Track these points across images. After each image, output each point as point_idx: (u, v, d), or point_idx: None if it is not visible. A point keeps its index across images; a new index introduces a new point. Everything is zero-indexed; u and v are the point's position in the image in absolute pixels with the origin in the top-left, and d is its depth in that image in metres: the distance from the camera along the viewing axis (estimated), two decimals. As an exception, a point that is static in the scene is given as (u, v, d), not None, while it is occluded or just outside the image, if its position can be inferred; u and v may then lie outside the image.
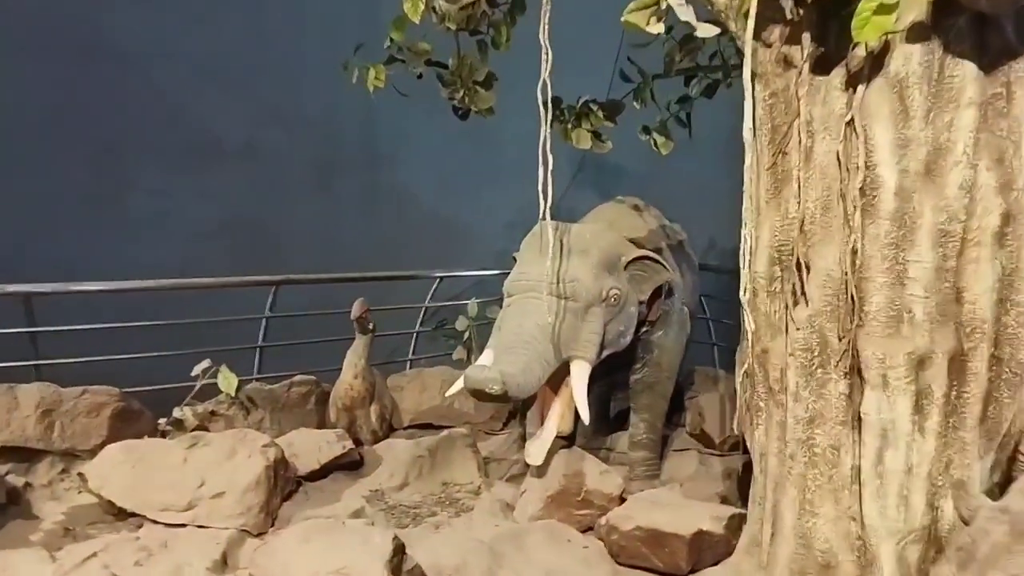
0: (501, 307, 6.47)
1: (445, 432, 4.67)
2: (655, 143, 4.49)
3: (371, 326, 5.02)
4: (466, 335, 6.14)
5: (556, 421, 4.01)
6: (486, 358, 3.91)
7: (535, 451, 3.93)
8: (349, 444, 4.57)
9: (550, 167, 3.23)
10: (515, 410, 5.83)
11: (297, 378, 5.36)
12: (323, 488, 4.41)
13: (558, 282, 3.84)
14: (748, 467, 4.97)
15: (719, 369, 6.57)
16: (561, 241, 3.96)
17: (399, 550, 3.05)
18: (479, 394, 3.60)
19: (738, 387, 3.22)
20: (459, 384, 3.95)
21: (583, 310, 3.89)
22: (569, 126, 4.50)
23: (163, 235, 7.49)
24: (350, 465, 4.60)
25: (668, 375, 4.52)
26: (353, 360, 4.97)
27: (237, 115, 7.95)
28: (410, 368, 6.23)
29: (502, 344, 3.79)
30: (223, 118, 7.92)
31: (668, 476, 4.69)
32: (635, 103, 4.44)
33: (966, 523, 2.65)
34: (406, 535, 3.74)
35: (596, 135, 4.51)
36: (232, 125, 7.98)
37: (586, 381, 3.88)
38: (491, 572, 3.22)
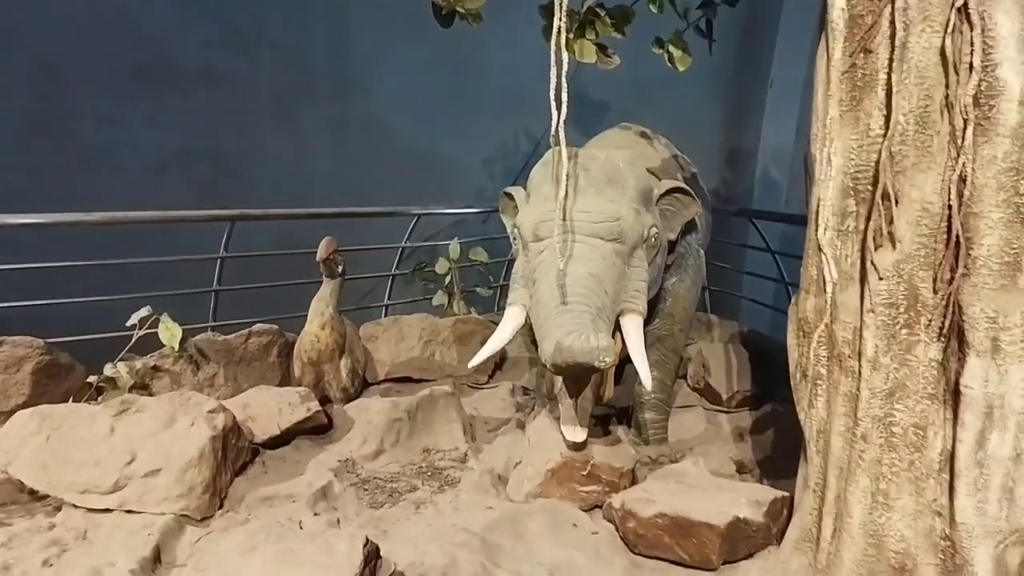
0: (483, 249, 5.90)
1: (426, 391, 3.96)
2: (670, 58, 3.68)
3: (340, 269, 4.23)
4: (447, 279, 5.39)
5: (597, 389, 3.35)
6: (516, 315, 3.24)
7: (576, 429, 3.24)
8: (315, 406, 3.85)
9: (564, 68, 2.46)
10: (501, 360, 5.16)
11: (257, 327, 4.57)
12: (285, 457, 3.70)
13: (599, 221, 3.10)
14: (759, 426, 4.42)
15: (711, 315, 5.99)
16: (589, 171, 3.21)
17: (371, 557, 2.37)
18: (573, 367, 2.87)
19: (791, 348, 2.53)
20: (491, 348, 3.31)
21: (629, 253, 3.18)
22: (571, 35, 3.67)
23: (111, 167, 6.60)
24: (317, 429, 3.88)
25: (681, 327, 3.84)
26: (320, 308, 4.20)
27: (194, 36, 7.00)
28: (385, 315, 5.47)
29: (553, 300, 3.01)
30: (178, 39, 6.98)
31: (675, 437, 4.08)
32: (651, 6, 3.61)
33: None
34: (380, 519, 3.09)
35: (601, 48, 3.70)
36: (188, 47, 7.04)
37: (643, 337, 3.18)
38: (486, 572, 2.55)
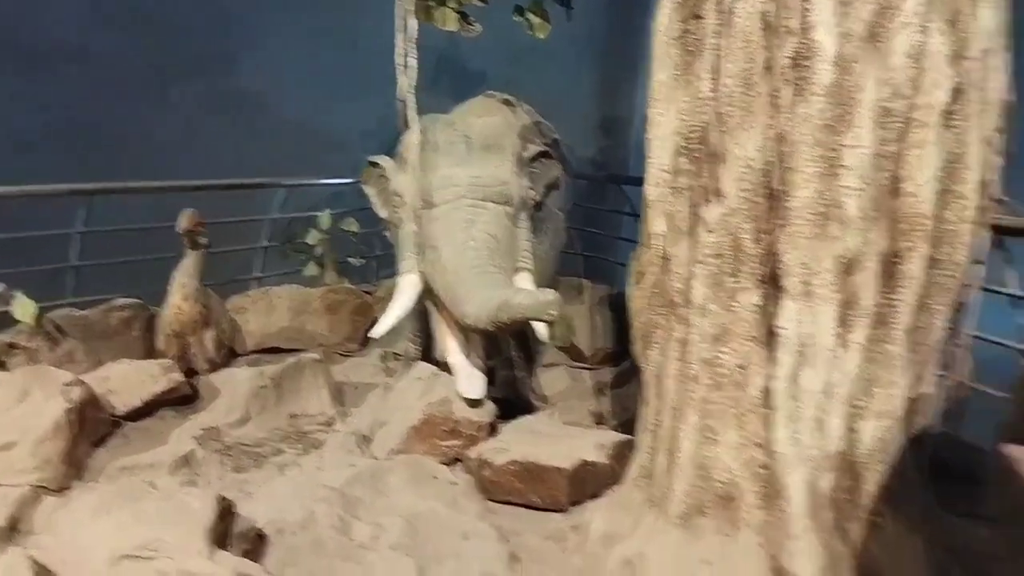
0: (355, 220, 5.69)
1: (292, 358, 3.77)
2: (529, 25, 3.64)
3: (203, 240, 3.98)
4: (318, 250, 5.17)
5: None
6: (413, 283, 3.18)
7: (473, 384, 3.18)
8: (178, 377, 3.61)
9: (412, 34, 2.35)
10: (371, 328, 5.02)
11: (118, 301, 4.24)
12: (148, 429, 3.48)
13: (490, 186, 3.08)
14: (619, 381, 4.52)
15: (583, 279, 6.09)
16: (471, 138, 3.19)
17: (225, 513, 2.23)
18: (515, 324, 2.85)
19: (630, 299, 2.56)
20: (392, 317, 3.24)
21: (515, 215, 3.18)
22: (432, 3, 3.55)
23: (-20, 145, 5.90)
24: (181, 400, 3.65)
25: (543, 286, 3.82)
26: (182, 280, 3.94)
27: (65, 10, 6.34)
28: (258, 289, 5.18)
29: (465, 264, 2.95)
30: (48, 14, 6.33)
31: (540, 395, 4.09)
32: (508, -24, 3.55)
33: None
34: (244, 482, 2.94)
35: (463, 16, 3.60)
36: (59, 22, 6.40)
37: None
38: (344, 524, 2.46)
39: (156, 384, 3.57)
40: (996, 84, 2.10)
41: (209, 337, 4.02)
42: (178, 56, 7.26)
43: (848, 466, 2.22)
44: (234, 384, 3.61)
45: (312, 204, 6.14)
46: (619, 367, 4.49)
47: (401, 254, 3.26)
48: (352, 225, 5.54)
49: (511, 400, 3.81)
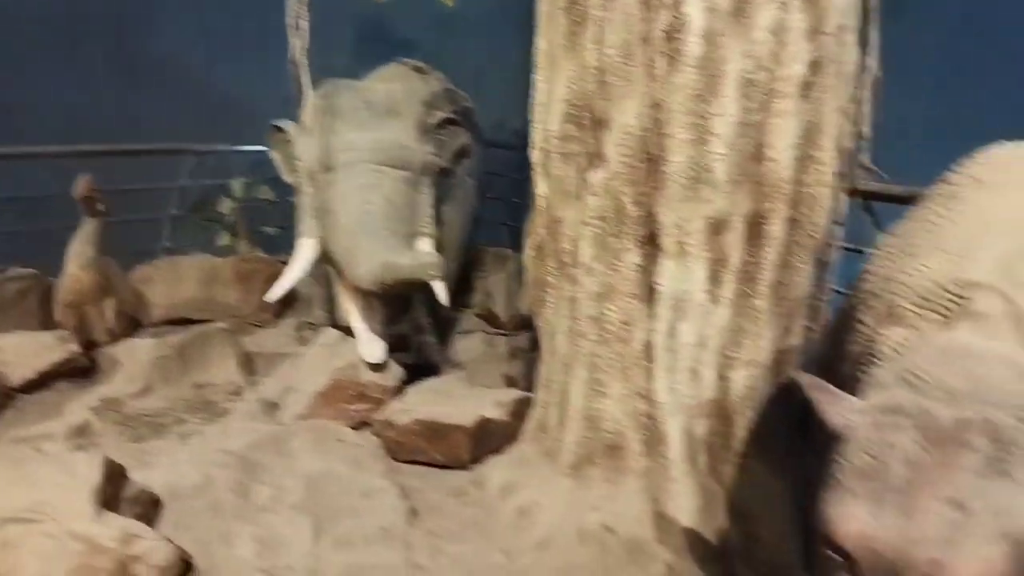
0: (269, 187, 5.57)
1: (198, 327, 3.72)
2: (439, -6, 3.65)
3: (100, 207, 3.84)
4: (231, 219, 5.06)
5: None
6: (310, 246, 3.17)
7: (373, 349, 3.19)
8: (74, 347, 3.50)
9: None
10: (291, 299, 4.97)
11: (11, 272, 4.06)
12: (43, 401, 3.38)
13: (389, 150, 3.11)
14: (534, 345, 4.62)
15: (508, 249, 6.16)
16: (372, 103, 3.20)
17: (114, 476, 2.21)
18: (399, 285, 2.88)
19: (525, 261, 2.66)
20: (288, 280, 3.25)
21: (416, 181, 3.21)
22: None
23: None
24: (79, 372, 3.55)
25: (452, 254, 3.88)
26: (79, 249, 3.80)
27: None
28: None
29: (359, 227, 2.96)
30: None
31: (454, 359, 4.16)
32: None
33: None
34: (143, 451, 2.90)
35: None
36: None
37: None
38: (242, 487, 2.49)
39: (51, 355, 3.47)
40: (850, 58, 2.27)
41: (109, 307, 3.90)
42: (82, 16, 6.90)
43: (721, 412, 2.40)
44: (135, 355, 3.53)
45: (227, 172, 5.98)
46: (533, 331, 4.60)
47: (301, 218, 3.25)
48: (267, 193, 5.43)
49: (422, 365, 3.88)
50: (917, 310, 1.24)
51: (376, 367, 3.16)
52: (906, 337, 1.22)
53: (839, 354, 1.49)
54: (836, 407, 1.16)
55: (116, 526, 1.98)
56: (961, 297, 1.19)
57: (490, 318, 4.80)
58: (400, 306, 3.53)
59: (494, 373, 3.99)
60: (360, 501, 2.53)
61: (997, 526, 0.99)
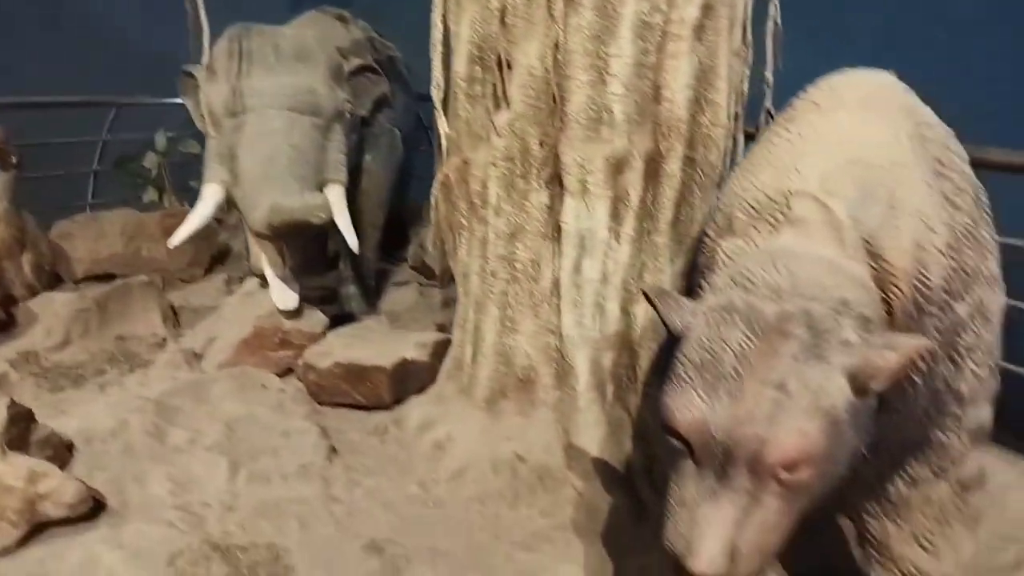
0: (196, 140, 5.42)
1: (119, 281, 3.66)
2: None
3: (14, 160, 3.73)
4: (155, 173, 4.93)
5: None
6: (215, 192, 3.11)
7: (285, 296, 3.20)
8: (-11, 302, 3.41)
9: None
10: (222, 255, 4.91)
11: (-78, 229, 3.89)
12: (-42, 357, 3.28)
13: (295, 95, 3.07)
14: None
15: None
16: (280, 48, 3.15)
17: (19, 418, 2.21)
18: (289, 226, 2.86)
19: (433, 202, 2.71)
20: (191, 225, 3.16)
21: (326, 127, 3.18)
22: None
23: None
24: (-4, 326, 3.46)
25: (377, 203, 3.89)
26: (-9, 202, 3.68)
27: None
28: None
29: (259, 171, 2.94)
30: None
31: (386, 310, 4.20)
32: None
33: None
34: (60, 401, 2.89)
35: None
36: None
37: (346, 207, 3.18)
38: (158, 431, 2.51)
39: (-35, 311, 3.38)
40: (743, 3, 2.35)
41: (27, 261, 3.81)
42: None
43: (625, 344, 2.51)
44: (53, 308, 3.46)
45: (153, 127, 5.80)
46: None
47: (207, 164, 3.21)
48: (193, 147, 5.29)
49: (347, 316, 3.91)
50: (750, 220, 1.34)
51: (291, 314, 3.18)
52: (740, 245, 1.32)
53: (693, 267, 1.59)
54: (676, 311, 1.26)
55: (22, 465, 1.99)
56: (787, 206, 1.30)
57: (424, 270, 4.84)
58: (319, 256, 3.53)
59: (426, 321, 4.05)
60: (280, 441, 2.58)
61: (813, 403, 1.11)
